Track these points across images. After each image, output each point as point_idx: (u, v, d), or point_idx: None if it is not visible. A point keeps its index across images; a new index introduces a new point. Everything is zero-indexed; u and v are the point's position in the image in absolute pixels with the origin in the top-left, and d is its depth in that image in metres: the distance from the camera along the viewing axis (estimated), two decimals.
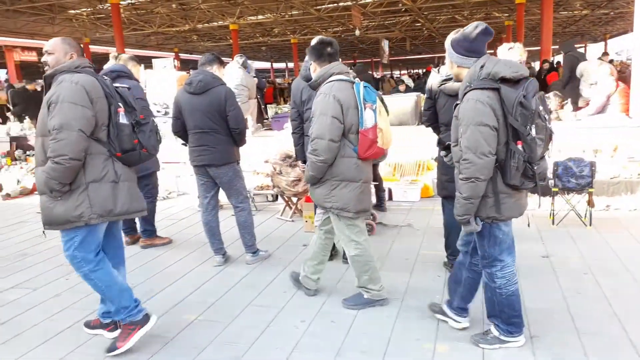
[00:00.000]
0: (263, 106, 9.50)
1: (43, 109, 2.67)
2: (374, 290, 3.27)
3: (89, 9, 22.00)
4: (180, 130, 4.33)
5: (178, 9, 22.57)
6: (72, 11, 22.32)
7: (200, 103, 4.00)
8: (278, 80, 30.93)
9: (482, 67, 2.45)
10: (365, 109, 3.01)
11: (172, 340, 2.99)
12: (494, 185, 2.48)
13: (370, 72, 15.51)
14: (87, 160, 2.68)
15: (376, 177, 5.31)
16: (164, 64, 8.29)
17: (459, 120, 2.48)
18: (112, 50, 12.43)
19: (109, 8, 18.81)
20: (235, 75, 6.63)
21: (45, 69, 2.79)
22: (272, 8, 22.94)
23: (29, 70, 33.77)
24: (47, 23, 24.31)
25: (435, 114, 3.64)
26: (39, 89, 11.20)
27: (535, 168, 2.42)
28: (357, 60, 39.28)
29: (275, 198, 6.41)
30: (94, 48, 29.22)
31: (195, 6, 21.93)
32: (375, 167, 5.24)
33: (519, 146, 2.39)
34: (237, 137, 4.16)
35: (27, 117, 9.38)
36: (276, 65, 51.41)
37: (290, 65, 45.82)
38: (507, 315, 2.68)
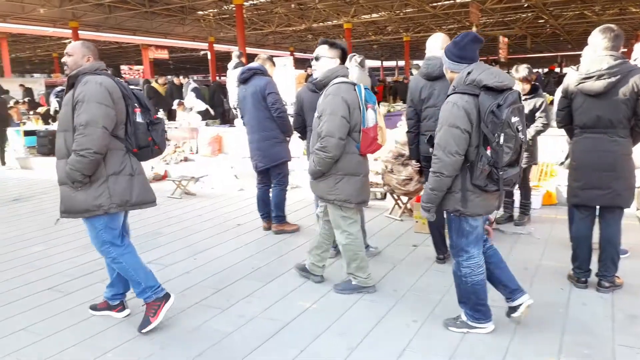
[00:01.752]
0: None
1: (65, 107, 2.93)
2: (361, 278, 3.54)
3: (215, 10, 23.58)
4: (301, 127, 4.52)
5: (296, 8, 23.36)
6: (201, 12, 24.06)
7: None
8: (388, 79, 30.71)
9: (469, 73, 2.63)
10: (367, 109, 3.30)
11: (287, 325, 3.15)
12: (462, 182, 2.70)
13: None
14: (107, 155, 2.93)
15: (526, 185, 5.09)
16: (284, 63, 8.66)
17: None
18: (234, 49, 13.26)
19: (234, 8, 19.98)
20: (352, 74, 6.72)
21: (64, 69, 3.06)
22: (386, 6, 22.86)
23: (161, 67, 37.15)
24: (179, 23, 26.50)
25: (570, 115, 3.43)
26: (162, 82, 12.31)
27: (500, 173, 2.60)
28: None
29: (384, 196, 6.42)
30: (217, 47, 31.25)
31: (312, 6, 22.55)
32: (526, 172, 5.02)
33: (488, 151, 2.57)
34: None
35: (160, 110, 10.34)
36: (386, 63, 51.17)
37: (401, 63, 45.28)
38: (473, 303, 2.89)
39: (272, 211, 5.13)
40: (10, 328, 3.22)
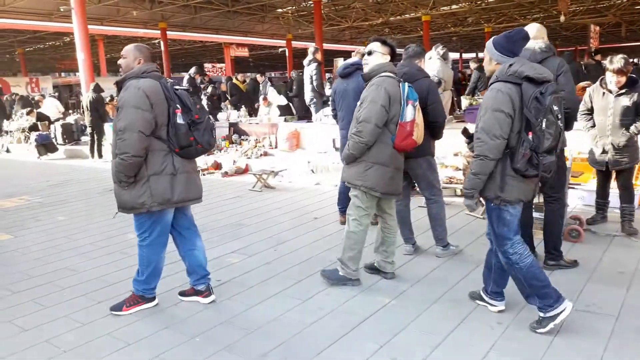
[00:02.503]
0: (456, 98, 9.29)
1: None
2: (350, 269, 3.64)
3: (294, 7, 23.96)
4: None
5: (373, 2, 23.17)
6: (280, 10, 24.56)
7: None
8: (467, 70, 29.66)
9: (510, 65, 2.76)
10: (407, 104, 3.40)
11: (367, 319, 3.16)
12: (502, 167, 2.79)
13: (578, 62, 13.93)
14: (148, 156, 3.08)
15: (629, 187, 4.70)
16: (357, 57, 8.61)
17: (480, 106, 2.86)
18: (311, 45, 13.42)
19: (312, 5, 20.20)
20: (433, 66, 6.59)
21: (119, 69, 3.23)
22: None
23: (241, 65, 38.40)
24: (258, 22, 27.21)
25: None
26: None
27: (540, 158, 2.69)
28: (559, 49, 35.48)
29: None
30: (294, 43, 31.77)
31: None
32: (629, 173, 4.69)
33: (530, 136, 2.67)
34: (435, 130, 4.15)
35: (242, 106, 10.72)
36: (465, 55, 49.44)
37: (481, 55, 43.57)
38: (538, 289, 2.85)
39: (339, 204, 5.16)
40: (107, 310, 3.48)
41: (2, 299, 3.71)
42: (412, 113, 3.42)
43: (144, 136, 3.02)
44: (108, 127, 11.64)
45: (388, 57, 3.63)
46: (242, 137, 10.05)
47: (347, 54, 28.05)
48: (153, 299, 3.47)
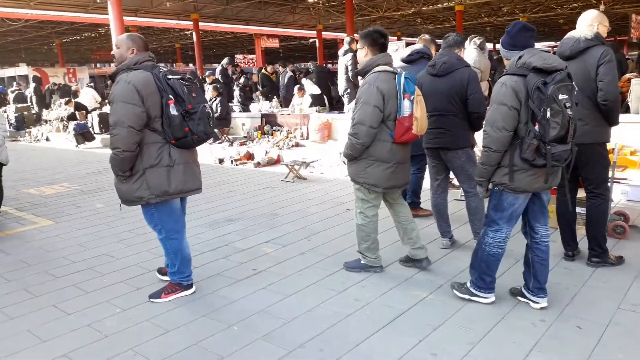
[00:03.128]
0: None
1: None
2: (370, 258, 3.72)
3: None
4: None
5: None
6: (311, 0, 24.44)
7: (442, 85, 4.00)
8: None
9: (519, 57, 2.81)
10: (404, 99, 3.32)
11: (404, 313, 3.12)
12: (511, 157, 2.85)
13: (622, 52, 13.47)
14: (143, 149, 3.08)
15: None
16: (396, 47, 8.51)
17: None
18: (341, 36, 13.27)
19: None
20: (470, 56, 6.42)
21: (113, 60, 3.21)
22: None
23: (272, 56, 38.48)
24: (289, 12, 27.17)
25: None
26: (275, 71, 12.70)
27: (548, 148, 2.70)
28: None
29: None
30: (325, 34, 31.62)
31: None
32: None
33: (536, 126, 2.69)
34: (475, 122, 4.05)
35: (275, 97, 10.73)
36: (498, 46, 48.33)
37: None
38: (481, 271, 3.09)
39: (407, 197, 5.13)
40: (144, 297, 3.54)
41: (45, 284, 3.82)
42: (409, 107, 3.34)
43: (134, 131, 3.00)
44: None
45: (367, 50, 3.50)
46: (274, 127, 10.08)
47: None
48: (190, 286, 3.52)
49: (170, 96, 3.01)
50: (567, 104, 2.69)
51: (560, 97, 2.66)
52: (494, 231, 3.04)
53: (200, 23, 24.54)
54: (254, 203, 6.11)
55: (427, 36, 5.14)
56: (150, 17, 24.89)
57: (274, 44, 34.09)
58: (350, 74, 8.89)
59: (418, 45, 5.00)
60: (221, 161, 9.23)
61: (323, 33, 31.38)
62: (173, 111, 3.02)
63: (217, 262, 4.15)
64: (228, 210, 5.77)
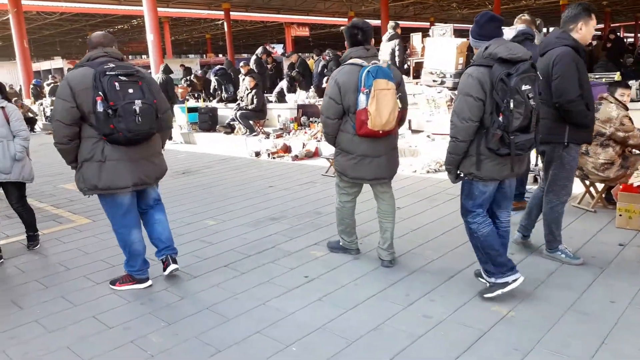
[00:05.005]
0: None
1: None
2: (345, 240, 3.93)
3: None
4: None
5: None
6: None
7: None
8: None
9: (486, 48, 2.85)
10: (360, 93, 3.34)
11: (485, 334, 2.72)
12: (477, 147, 2.91)
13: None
14: (82, 143, 3.21)
15: None
16: (443, 30, 8.01)
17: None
18: (375, 23, 12.74)
19: None
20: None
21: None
22: None
23: (301, 45, 38.06)
24: (320, 0, 26.68)
25: None
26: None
27: (512, 137, 2.77)
28: None
29: None
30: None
31: None
32: None
33: (500, 117, 2.75)
34: (564, 113, 3.57)
35: (312, 87, 10.35)
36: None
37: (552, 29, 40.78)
38: (491, 256, 3.03)
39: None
40: (195, 306, 3.25)
41: (84, 290, 3.58)
42: (364, 101, 3.34)
43: (62, 125, 3.13)
44: (177, 109, 11.67)
45: (351, 42, 3.54)
46: (311, 119, 9.71)
47: (411, 31, 27.03)
48: (144, 280, 3.55)
49: (100, 93, 3.04)
50: (530, 95, 2.75)
51: (524, 87, 2.72)
52: (472, 217, 3.10)
53: (231, 13, 24.31)
54: (296, 200, 5.78)
55: (527, 16, 4.68)
56: (181, 8, 24.80)
57: (304, 32, 33.64)
58: (397, 60, 8.44)
59: (521, 26, 4.57)
60: (257, 154, 8.94)
61: (354, 20, 30.77)
62: (99, 107, 3.05)
63: (266, 266, 3.84)
64: (270, 208, 5.46)
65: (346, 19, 30.47)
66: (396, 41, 8.52)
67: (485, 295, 3.07)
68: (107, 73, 3.06)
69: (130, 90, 3.10)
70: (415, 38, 9.13)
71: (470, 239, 3.16)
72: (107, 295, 3.48)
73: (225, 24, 24.55)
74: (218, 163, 8.57)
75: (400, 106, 3.46)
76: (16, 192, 4.40)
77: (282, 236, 4.52)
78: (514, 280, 3.00)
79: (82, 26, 29.04)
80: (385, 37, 8.71)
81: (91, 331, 2.99)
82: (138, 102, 3.09)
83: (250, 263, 3.93)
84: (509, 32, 4.66)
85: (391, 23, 8.78)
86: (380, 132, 3.39)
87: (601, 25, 37.99)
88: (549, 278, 3.37)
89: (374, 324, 2.88)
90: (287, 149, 8.87)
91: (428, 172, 6.69)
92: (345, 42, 3.60)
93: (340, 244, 3.99)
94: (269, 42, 35.63)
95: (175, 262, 3.63)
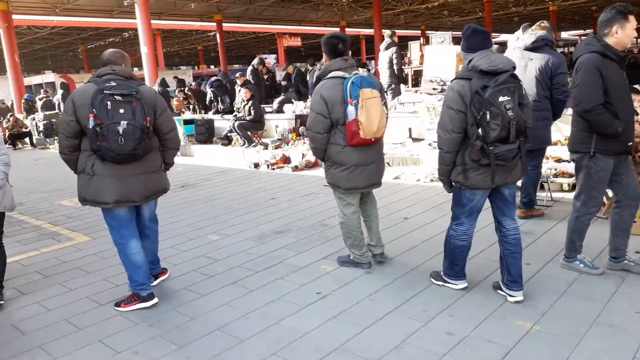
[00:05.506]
0: None
1: None
2: (356, 254, 3.85)
3: None
4: None
5: None
6: None
7: None
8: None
9: (470, 60, 2.93)
10: (348, 105, 3.38)
11: (511, 350, 2.62)
12: (462, 157, 3.01)
13: None
14: (80, 155, 3.31)
15: None
16: (441, 38, 7.98)
17: None
18: (366, 32, 12.77)
19: None
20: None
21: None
22: None
23: (293, 55, 38.13)
24: (312, 9, 26.78)
25: None
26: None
27: (491, 148, 2.82)
28: None
29: (574, 187, 5.51)
30: (349, 30, 31.09)
31: None
32: None
33: (479, 129, 2.82)
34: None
35: (309, 97, 10.28)
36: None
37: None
38: (450, 260, 3.33)
39: (522, 195, 4.80)
40: (205, 326, 3.13)
41: (89, 313, 3.44)
42: (353, 112, 3.38)
43: (63, 137, 3.28)
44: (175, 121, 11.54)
45: (325, 57, 3.59)
46: None
47: (403, 39, 27.18)
48: (149, 297, 3.46)
49: (94, 110, 3.08)
50: (508, 106, 2.77)
51: (501, 99, 2.75)
52: (457, 225, 3.23)
53: (223, 24, 24.29)
54: (300, 212, 5.67)
55: (546, 23, 4.74)
56: (173, 20, 24.76)
57: (296, 42, 33.73)
58: (396, 68, 8.40)
59: (541, 32, 4.59)
60: (257, 166, 8.83)
61: (346, 29, 30.87)
62: (90, 124, 3.10)
63: (276, 283, 3.72)
64: (274, 221, 5.34)
65: (338, 29, 30.59)
66: (393, 49, 8.49)
67: (431, 279, 3.50)
68: (104, 92, 3.09)
69: (121, 111, 3.11)
70: (414, 46, 9.11)
71: (445, 240, 3.34)
72: (112, 317, 3.35)
73: (217, 35, 24.53)
74: (217, 175, 8.45)
75: (386, 112, 3.57)
76: None
77: (288, 250, 4.41)
78: (455, 285, 3.35)
79: (73, 40, 28.93)
80: (382, 46, 8.68)
81: (98, 356, 2.86)
82: (123, 123, 3.09)
83: (258, 280, 3.81)
84: (528, 38, 4.65)
85: (387, 32, 8.76)
86: (373, 139, 3.48)
87: (590, 30, 38.50)
88: (569, 289, 3.28)
89: (394, 343, 2.77)
90: (286, 160, 8.77)
91: (432, 180, 6.61)
92: (324, 54, 3.62)
93: (352, 258, 3.89)
94: (261, 53, 35.64)
95: (155, 278, 3.78)
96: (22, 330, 3.25)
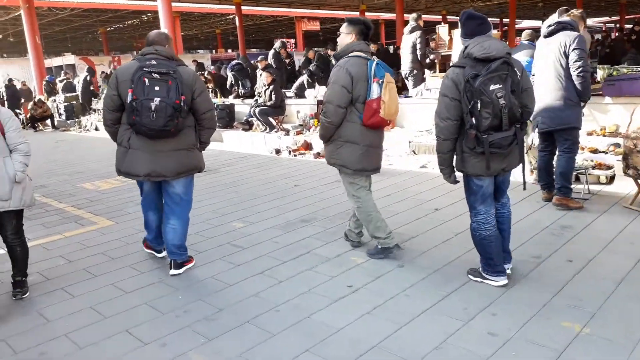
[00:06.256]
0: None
1: None
2: (382, 239, 3.71)
3: None
4: None
5: None
6: None
7: None
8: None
9: (466, 47, 2.90)
10: (372, 82, 3.40)
11: (560, 356, 2.46)
12: (460, 145, 3.04)
13: None
14: (120, 128, 3.53)
15: None
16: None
17: None
18: (385, 16, 12.42)
19: None
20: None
21: None
22: None
23: (311, 40, 37.72)
24: None
25: None
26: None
27: (484, 136, 2.83)
28: None
29: (610, 180, 5.28)
30: (369, 14, 30.57)
31: None
32: None
33: (473, 118, 2.83)
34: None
35: None
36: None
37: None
38: (483, 256, 3.21)
39: (555, 182, 4.67)
40: (235, 318, 3.02)
41: (114, 300, 3.36)
42: (377, 90, 3.41)
43: (106, 110, 3.53)
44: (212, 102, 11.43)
45: (353, 36, 3.58)
46: None
47: (429, 25, 26.62)
48: (159, 251, 4.04)
49: (132, 86, 3.24)
50: (499, 94, 2.76)
51: (492, 87, 2.74)
52: (475, 215, 3.20)
53: (242, 7, 24.02)
54: (325, 200, 5.53)
55: (576, 12, 4.63)
56: (193, 2, 24.56)
57: (315, 26, 33.31)
58: (419, 53, 8.14)
59: (564, 18, 4.56)
60: (278, 152, 8.70)
61: (365, 13, 30.35)
62: (128, 99, 3.26)
63: (305, 274, 3.60)
64: (299, 209, 5.21)
65: (357, 13, 30.07)
66: (418, 33, 8.21)
67: (469, 276, 3.32)
68: (143, 69, 3.24)
69: (157, 88, 3.24)
70: (442, 30, 8.82)
71: (471, 236, 3.28)
72: (139, 306, 3.26)
73: (236, 18, 24.27)
74: (238, 161, 8.34)
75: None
76: (14, 220, 3.42)
77: (316, 240, 4.28)
78: (495, 282, 3.18)
79: (93, 22, 28.91)
80: (406, 30, 8.40)
81: (126, 348, 2.77)
82: (156, 100, 3.22)
83: (287, 270, 3.69)
84: (545, 25, 4.51)
85: (413, 15, 8.47)
86: (389, 121, 3.57)
87: (616, 18, 37.33)
88: (618, 289, 3.09)
89: (434, 343, 2.63)
90: (308, 146, 8.61)
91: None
92: (351, 33, 3.58)
93: (379, 246, 3.78)
94: (279, 37, 35.29)
95: (177, 267, 3.71)
96: (47, 317, 3.18)
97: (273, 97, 9.62)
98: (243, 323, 2.95)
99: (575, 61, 4.29)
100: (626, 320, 2.73)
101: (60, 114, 15.86)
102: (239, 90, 11.41)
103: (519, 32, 32.73)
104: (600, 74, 6.43)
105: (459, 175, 3.25)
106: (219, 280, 3.58)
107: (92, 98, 15.93)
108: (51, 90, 17.49)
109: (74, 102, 15.79)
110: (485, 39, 2.90)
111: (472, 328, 2.75)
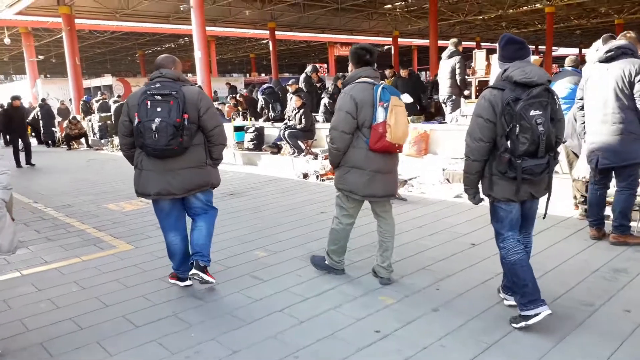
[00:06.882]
0: None
1: None
2: (334, 260, 3.88)
3: (402, 2, 22.86)
4: None
5: None
6: (388, 6, 23.56)
7: None
8: None
9: (505, 70, 2.88)
10: (378, 107, 3.39)
11: None
12: (489, 167, 2.98)
13: None
14: (135, 152, 3.62)
15: None
16: (595, 47, 7.38)
17: None
18: (417, 42, 12.21)
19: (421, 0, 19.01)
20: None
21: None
22: None
23: (344, 64, 37.91)
24: (365, 19, 26.48)
25: None
26: None
27: (518, 162, 2.78)
28: None
29: None
30: (402, 40, 30.57)
31: None
32: None
33: (508, 142, 2.79)
34: None
35: None
36: (585, 51, 44.95)
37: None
38: (517, 285, 2.98)
39: (613, 219, 4.31)
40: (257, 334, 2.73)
41: (123, 335, 3.12)
42: (382, 115, 3.40)
43: (121, 135, 3.63)
44: (228, 127, 11.38)
45: (351, 65, 3.62)
46: None
47: (464, 51, 26.38)
48: (184, 279, 3.82)
49: (137, 112, 3.35)
50: (539, 120, 2.72)
51: (532, 113, 2.71)
52: (502, 242, 3.08)
53: (276, 32, 24.34)
54: (353, 230, 5.21)
55: (632, 33, 4.30)
56: (228, 27, 25.03)
57: (347, 52, 33.45)
58: (458, 78, 7.87)
59: (621, 42, 4.20)
60: (305, 176, 8.48)
61: (399, 40, 30.37)
62: (135, 122, 3.38)
63: (328, 314, 3.29)
64: (324, 239, 4.84)
65: (390, 39, 30.10)
66: (457, 58, 7.97)
67: (513, 325, 2.99)
68: (147, 93, 3.36)
69: (158, 109, 3.33)
70: (479, 55, 8.55)
71: (502, 265, 3.11)
72: (147, 343, 3.01)
73: (270, 43, 24.58)
74: (265, 184, 8.15)
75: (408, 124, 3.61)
76: None
77: (341, 275, 3.97)
78: (537, 315, 2.86)
79: (132, 44, 29.83)
80: (445, 55, 8.17)
81: None
82: (157, 120, 3.30)
83: (308, 309, 3.39)
84: (602, 49, 4.19)
85: (453, 40, 8.25)
86: (397, 145, 3.49)
87: None
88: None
89: None
90: None
91: None
92: (350, 63, 3.65)
93: (326, 262, 3.92)
94: (312, 62, 35.62)
95: (200, 269, 3.64)
96: (50, 351, 2.96)
97: (303, 120, 9.46)
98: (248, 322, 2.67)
99: None
100: None
101: (94, 133, 16.15)
102: (269, 114, 11.33)
103: (556, 59, 32.10)
104: None
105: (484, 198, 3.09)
106: (235, 317, 3.30)
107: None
108: (87, 110, 17.90)
109: (108, 122, 16.06)
110: (525, 64, 2.85)
111: None
